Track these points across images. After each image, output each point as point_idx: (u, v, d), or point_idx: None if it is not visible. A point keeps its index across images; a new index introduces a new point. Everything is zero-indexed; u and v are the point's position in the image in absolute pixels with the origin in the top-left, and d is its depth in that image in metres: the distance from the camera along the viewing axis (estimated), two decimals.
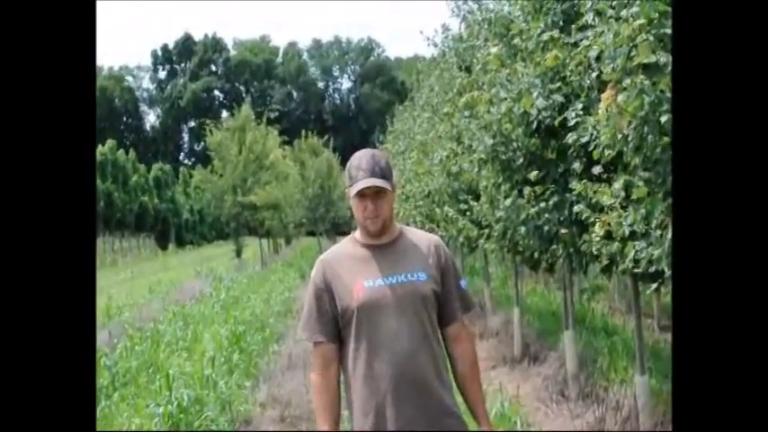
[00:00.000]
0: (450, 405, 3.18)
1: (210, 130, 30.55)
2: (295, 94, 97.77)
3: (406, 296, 3.13)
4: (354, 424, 3.17)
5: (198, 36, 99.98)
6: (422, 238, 3.32)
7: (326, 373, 3.18)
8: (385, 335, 3.09)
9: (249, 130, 29.99)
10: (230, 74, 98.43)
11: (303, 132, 38.43)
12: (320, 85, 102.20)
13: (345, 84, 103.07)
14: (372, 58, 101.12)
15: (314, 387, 3.21)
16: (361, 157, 3.20)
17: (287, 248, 40.14)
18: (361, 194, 3.12)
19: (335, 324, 3.17)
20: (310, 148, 36.37)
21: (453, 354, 3.30)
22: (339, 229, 36.94)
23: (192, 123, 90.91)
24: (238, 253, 31.18)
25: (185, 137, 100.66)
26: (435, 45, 13.29)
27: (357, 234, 3.29)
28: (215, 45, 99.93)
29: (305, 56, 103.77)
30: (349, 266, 3.19)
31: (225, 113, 61.82)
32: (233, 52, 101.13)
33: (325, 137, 38.52)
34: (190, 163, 78.72)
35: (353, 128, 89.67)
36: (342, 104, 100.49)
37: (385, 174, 3.15)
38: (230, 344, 10.51)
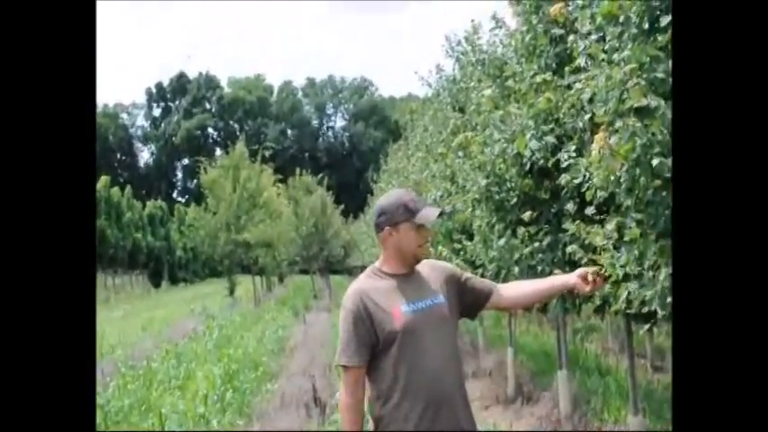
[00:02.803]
0: (469, 416, 3.56)
1: (204, 168, 30.60)
2: (289, 132, 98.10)
3: (434, 318, 3.49)
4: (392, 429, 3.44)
5: (192, 74, 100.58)
6: (428, 264, 3.69)
7: (358, 394, 3.46)
8: (424, 353, 3.41)
9: (243, 167, 30.03)
10: (224, 112, 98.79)
11: (297, 170, 38.51)
12: (314, 123, 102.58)
13: (339, 122, 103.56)
14: (366, 96, 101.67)
15: (346, 408, 3.45)
16: (406, 193, 3.66)
17: (280, 286, 40.02)
18: (423, 226, 3.53)
19: (370, 349, 3.44)
20: (304, 186, 36.38)
21: (512, 293, 3.82)
22: (332, 267, 36.87)
23: (186, 161, 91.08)
24: (231, 291, 31.07)
25: (179, 174, 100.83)
26: (429, 85, 13.40)
27: (381, 266, 3.60)
28: (209, 83, 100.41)
29: (299, 94, 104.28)
30: (383, 294, 3.49)
31: (219, 151, 62.02)
32: (227, 90, 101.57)
33: (320, 175, 38.54)
34: (183, 200, 78.70)
35: (348, 166, 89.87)
36: (336, 143, 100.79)
37: None
38: (223, 382, 10.47)
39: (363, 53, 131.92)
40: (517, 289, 3.90)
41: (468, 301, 3.73)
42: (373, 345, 3.44)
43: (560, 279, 3.89)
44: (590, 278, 3.73)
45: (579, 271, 3.79)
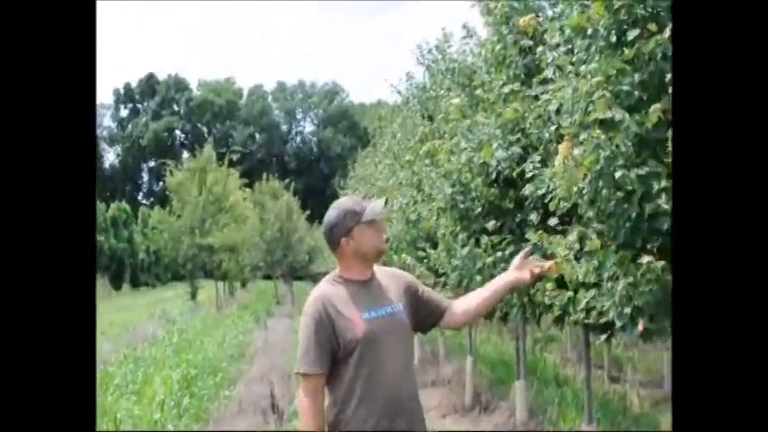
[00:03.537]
0: (423, 426, 3.58)
1: (170, 171, 30.41)
2: (258, 135, 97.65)
3: (395, 326, 3.49)
4: None
5: (162, 76, 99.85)
6: (388, 272, 3.73)
7: (318, 402, 3.42)
8: (382, 361, 3.41)
9: (210, 171, 29.92)
10: (192, 114, 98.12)
11: (264, 175, 38.34)
12: (283, 127, 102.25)
13: (308, 127, 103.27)
14: (336, 102, 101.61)
15: (307, 413, 3.41)
16: (347, 199, 3.72)
17: (243, 292, 39.78)
18: (374, 221, 3.52)
19: (331, 356, 3.41)
20: (271, 191, 36.17)
21: (462, 310, 3.77)
22: (296, 273, 36.71)
23: (153, 163, 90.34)
24: (193, 295, 30.84)
25: (145, 176, 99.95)
26: (399, 93, 13.43)
27: (341, 273, 3.58)
28: (178, 85, 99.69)
29: (269, 98, 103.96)
30: (344, 301, 3.46)
31: (186, 154, 61.58)
32: (196, 92, 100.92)
33: (287, 180, 38.38)
34: (148, 203, 78.00)
35: (315, 171, 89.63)
36: (304, 148, 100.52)
37: None
38: (181, 388, 10.37)
39: (335, 58, 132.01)
40: (466, 305, 3.83)
41: (423, 315, 3.71)
42: (334, 352, 3.42)
43: (501, 280, 3.85)
44: (530, 264, 3.79)
45: (516, 263, 3.82)
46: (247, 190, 34.71)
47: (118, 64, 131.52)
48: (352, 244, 3.52)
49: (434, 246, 8.76)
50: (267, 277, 39.62)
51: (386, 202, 3.63)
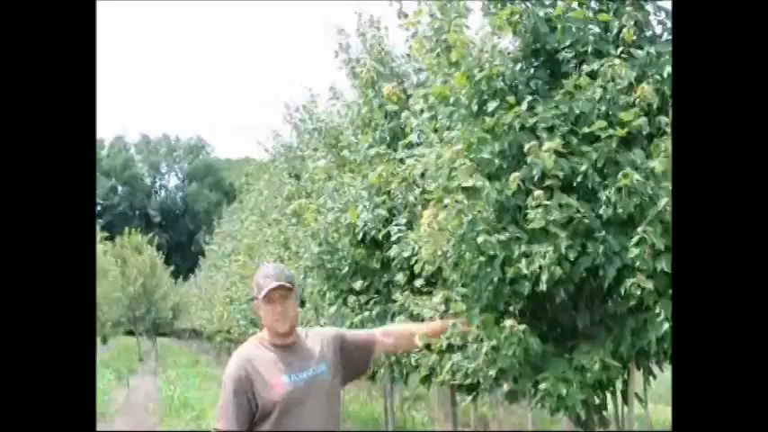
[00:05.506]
0: None
1: None
2: (120, 188, 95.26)
3: (315, 390, 3.54)
4: None
5: None
6: (314, 333, 3.78)
7: None
8: (302, 424, 3.46)
9: None
10: None
11: (126, 229, 37.38)
12: (147, 180, 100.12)
13: (173, 181, 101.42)
14: (201, 156, 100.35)
15: None
16: (267, 268, 3.71)
17: (103, 348, 38.38)
18: (270, 298, 3.50)
19: (250, 416, 3.46)
20: (133, 245, 35.33)
21: (394, 334, 4.11)
22: (160, 329, 35.79)
23: None
24: None
25: None
26: (266, 150, 13.39)
27: (265, 336, 3.62)
28: None
29: (132, 150, 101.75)
30: (265, 364, 3.51)
31: None
32: None
33: (150, 234, 37.56)
34: None
35: (180, 226, 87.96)
36: (168, 202, 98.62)
37: (290, 279, 3.60)
38: None
39: (201, 112, 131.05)
40: (396, 330, 4.24)
41: (356, 359, 3.82)
42: (252, 413, 3.45)
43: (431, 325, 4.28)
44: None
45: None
46: (108, 243, 33.74)
47: None
48: (259, 311, 3.60)
49: (302, 304, 8.75)
50: (130, 333, 38.46)
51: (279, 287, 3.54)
